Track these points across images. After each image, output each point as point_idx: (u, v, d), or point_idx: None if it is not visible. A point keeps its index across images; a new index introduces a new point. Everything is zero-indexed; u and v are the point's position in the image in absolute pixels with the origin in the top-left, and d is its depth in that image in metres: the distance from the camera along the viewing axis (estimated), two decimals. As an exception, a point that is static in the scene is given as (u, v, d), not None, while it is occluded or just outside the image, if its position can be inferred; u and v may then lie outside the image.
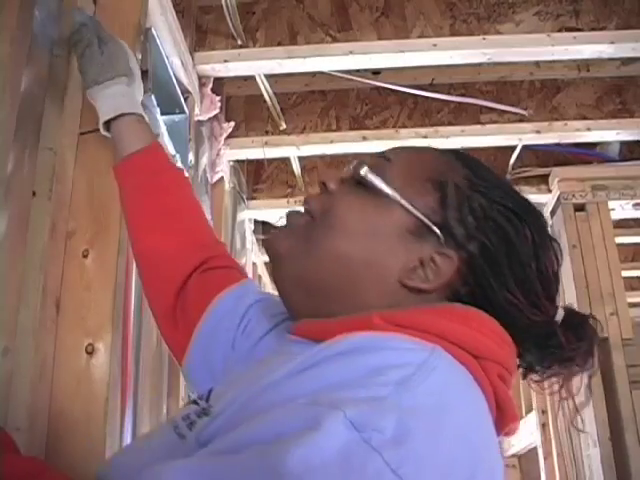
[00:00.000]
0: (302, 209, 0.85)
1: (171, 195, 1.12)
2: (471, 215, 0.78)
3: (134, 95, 1.23)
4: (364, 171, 0.79)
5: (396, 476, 0.53)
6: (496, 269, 0.77)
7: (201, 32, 2.45)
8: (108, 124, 1.19)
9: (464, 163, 0.85)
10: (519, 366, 0.82)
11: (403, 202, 0.78)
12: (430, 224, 0.77)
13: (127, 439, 1.51)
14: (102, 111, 1.19)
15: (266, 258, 3.04)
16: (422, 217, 0.77)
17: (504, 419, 0.72)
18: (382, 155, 0.85)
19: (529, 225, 0.79)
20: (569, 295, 3.08)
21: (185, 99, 2.26)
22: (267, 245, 0.86)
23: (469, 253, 0.77)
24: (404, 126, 2.91)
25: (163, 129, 1.94)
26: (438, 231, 0.77)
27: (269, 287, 3.64)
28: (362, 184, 0.80)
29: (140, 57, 1.63)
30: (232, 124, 2.75)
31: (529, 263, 0.77)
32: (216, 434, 0.61)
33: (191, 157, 2.24)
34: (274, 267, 0.85)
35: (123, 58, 1.24)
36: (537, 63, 2.84)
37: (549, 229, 0.84)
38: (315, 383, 0.60)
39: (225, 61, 2.42)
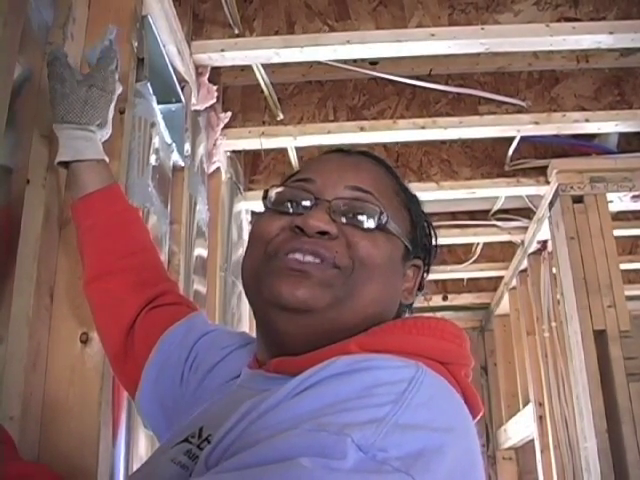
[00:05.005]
0: (304, 256, 0.80)
1: (122, 238, 1.16)
2: (419, 224, 0.92)
3: (98, 142, 1.21)
4: (386, 220, 0.83)
5: (409, 476, 0.57)
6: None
7: (198, 21, 2.44)
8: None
9: (392, 173, 0.94)
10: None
11: (405, 241, 0.87)
12: (410, 247, 0.88)
13: (122, 430, 1.50)
14: (60, 151, 1.18)
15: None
16: (409, 245, 0.88)
17: (472, 412, 0.77)
18: (357, 187, 0.85)
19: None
20: (566, 286, 3.08)
21: (182, 88, 2.25)
22: (288, 297, 0.78)
23: (422, 257, 0.92)
24: (402, 117, 2.90)
25: (159, 118, 1.93)
26: (411, 248, 0.89)
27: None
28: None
29: (136, 44, 1.63)
30: (229, 114, 2.74)
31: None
32: (221, 458, 0.62)
33: (188, 147, 2.23)
34: (298, 318, 0.79)
35: (102, 107, 1.20)
36: (535, 54, 2.83)
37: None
38: (314, 403, 0.62)
39: (222, 50, 2.41)
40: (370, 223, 0.82)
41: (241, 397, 0.72)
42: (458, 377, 0.78)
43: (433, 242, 0.95)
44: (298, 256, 0.80)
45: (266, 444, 0.58)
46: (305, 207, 0.84)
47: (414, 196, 0.95)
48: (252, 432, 0.62)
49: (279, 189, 0.87)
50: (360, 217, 0.82)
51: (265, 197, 0.88)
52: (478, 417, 0.80)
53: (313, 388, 0.64)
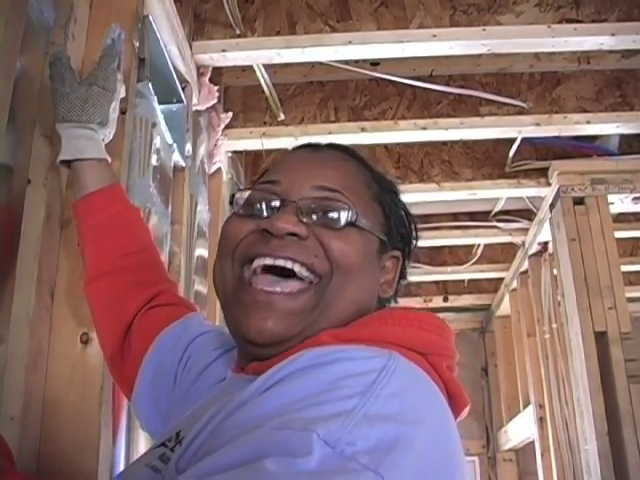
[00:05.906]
0: (275, 260, 0.78)
1: (123, 238, 1.16)
2: (394, 215, 0.90)
3: (100, 141, 1.21)
4: (356, 218, 0.81)
5: (377, 475, 0.55)
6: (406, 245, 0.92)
7: (199, 21, 2.43)
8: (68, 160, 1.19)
9: (364, 165, 0.92)
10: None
11: (379, 234, 0.85)
12: (386, 239, 0.86)
13: (122, 430, 1.50)
14: (62, 150, 1.18)
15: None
16: (384, 237, 0.86)
17: (457, 406, 0.76)
18: (323, 187, 0.83)
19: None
20: (567, 288, 3.08)
21: (183, 88, 2.25)
22: (255, 336, 0.76)
23: (401, 247, 0.90)
24: (403, 117, 2.90)
25: (160, 118, 1.93)
26: (387, 240, 0.87)
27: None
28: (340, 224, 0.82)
29: (138, 45, 1.63)
30: (230, 114, 2.74)
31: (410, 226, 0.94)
32: (191, 460, 0.61)
33: (189, 147, 2.23)
34: (272, 348, 0.77)
35: (103, 105, 1.20)
36: (537, 55, 2.83)
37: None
38: (282, 399, 0.61)
39: (223, 51, 2.41)
40: (339, 221, 0.80)
41: (218, 400, 0.72)
42: (439, 368, 0.75)
43: (413, 230, 0.93)
44: (268, 261, 0.78)
45: (232, 446, 0.57)
46: (273, 209, 0.82)
47: (390, 185, 0.93)
48: (220, 432, 0.61)
49: (246, 192, 0.86)
50: (329, 215, 0.81)
51: (232, 202, 0.86)
52: (465, 410, 0.78)
53: (280, 384, 0.63)
